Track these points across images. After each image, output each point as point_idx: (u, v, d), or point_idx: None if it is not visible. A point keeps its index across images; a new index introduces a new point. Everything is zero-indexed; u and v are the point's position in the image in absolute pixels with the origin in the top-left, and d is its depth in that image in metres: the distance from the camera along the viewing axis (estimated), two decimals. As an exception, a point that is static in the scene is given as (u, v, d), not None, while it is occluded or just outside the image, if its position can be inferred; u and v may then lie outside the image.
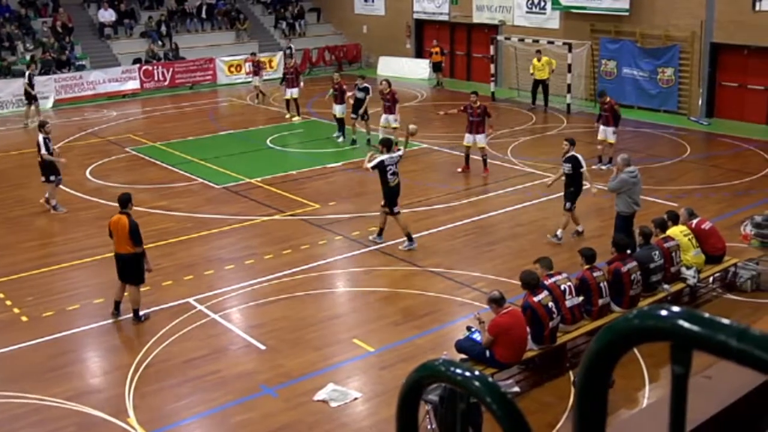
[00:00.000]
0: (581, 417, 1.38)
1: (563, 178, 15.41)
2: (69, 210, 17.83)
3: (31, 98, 27.18)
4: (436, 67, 33.17)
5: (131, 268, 12.15)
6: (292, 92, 26.47)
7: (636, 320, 1.27)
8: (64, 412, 9.88)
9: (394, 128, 21.47)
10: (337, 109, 23.46)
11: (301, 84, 26.80)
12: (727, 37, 24.57)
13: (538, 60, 27.51)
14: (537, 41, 28.54)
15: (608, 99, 19.64)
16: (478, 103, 19.72)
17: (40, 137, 17.62)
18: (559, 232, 15.22)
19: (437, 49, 32.91)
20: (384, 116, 22.02)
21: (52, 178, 17.61)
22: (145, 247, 12.41)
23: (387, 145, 15.12)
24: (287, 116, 26.80)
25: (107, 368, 11.15)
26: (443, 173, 20.23)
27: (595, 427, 1.36)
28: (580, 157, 15.28)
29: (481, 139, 19.66)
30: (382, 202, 15.11)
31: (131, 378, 10.60)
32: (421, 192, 18.40)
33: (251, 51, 32.95)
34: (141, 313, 12.32)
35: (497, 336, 9.79)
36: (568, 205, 15.25)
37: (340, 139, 23.63)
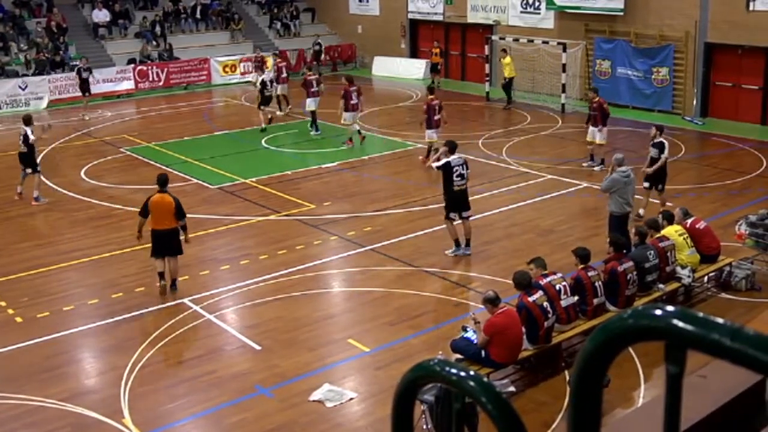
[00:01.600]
0: (576, 416, 1.38)
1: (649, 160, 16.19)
2: (63, 211, 17.83)
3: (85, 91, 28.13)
4: (432, 68, 33.09)
5: (171, 242, 13.12)
6: (279, 88, 26.99)
7: (630, 320, 1.28)
8: (59, 413, 9.87)
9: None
10: (310, 103, 24.40)
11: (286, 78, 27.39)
12: (721, 37, 24.62)
13: (503, 59, 27.84)
14: (532, 41, 28.59)
15: (597, 98, 19.64)
16: (429, 98, 20.84)
17: (28, 130, 18.11)
18: (641, 211, 15.85)
19: (437, 50, 32.77)
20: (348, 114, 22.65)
21: (29, 170, 18.38)
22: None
23: (451, 147, 14.60)
24: (277, 112, 27.12)
25: (102, 369, 11.13)
26: (438, 173, 20.14)
27: (589, 426, 1.37)
28: (666, 143, 16.18)
29: (429, 134, 20.61)
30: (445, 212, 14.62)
31: (126, 379, 10.58)
32: (416, 192, 18.41)
33: (273, 52, 32.79)
34: (177, 283, 13.35)
35: (492, 336, 9.79)
36: (660, 186, 16.10)
37: (312, 132, 24.49)
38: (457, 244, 14.66)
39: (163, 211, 12.92)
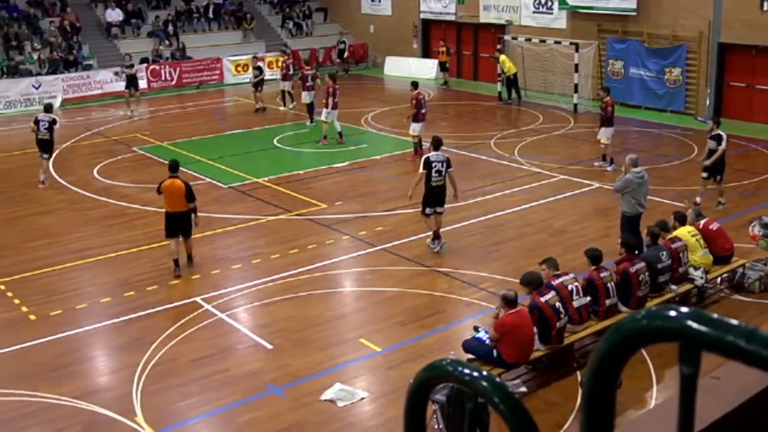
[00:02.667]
0: (589, 417, 1.38)
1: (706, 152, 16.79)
2: (76, 210, 17.93)
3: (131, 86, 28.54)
4: (442, 67, 33.21)
5: (184, 223, 13.99)
6: (285, 85, 27.82)
7: (644, 321, 1.27)
8: (71, 410, 9.91)
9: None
10: (305, 96, 25.37)
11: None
12: (734, 37, 24.50)
13: (497, 58, 28.22)
14: (544, 41, 28.53)
15: (606, 98, 19.67)
16: (413, 93, 21.32)
17: (55, 117, 19.85)
18: (698, 199, 16.47)
19: (443, 49, 32.92)
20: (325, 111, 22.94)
21: (46, 155, 19.74)
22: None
23: (436, 143, 14.91)
24: (281, 108, 27.68)
25: (115, 367, 11.18)
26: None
27: (603, 428, 1.36)
28: (724, 135, 16.63)
29: (414, 128, 21.02)
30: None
31: (139, 377, 10.62)
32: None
33: (282, 50, 32.82)
34: (193, 257, 14.37)
35: (503, 335, 9.78)
36: (718, 177, 16.63)
37: (307, 123, 25.43)
38: (436, 236, 14.94)
39: (174, 194, 13.83)
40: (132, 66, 29.06)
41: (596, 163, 20.07)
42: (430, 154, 14.81)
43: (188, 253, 14.32)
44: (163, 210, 14.28)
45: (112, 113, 28.67)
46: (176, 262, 14.06)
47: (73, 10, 34.43)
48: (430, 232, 15.02)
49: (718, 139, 16.66)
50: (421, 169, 14.72)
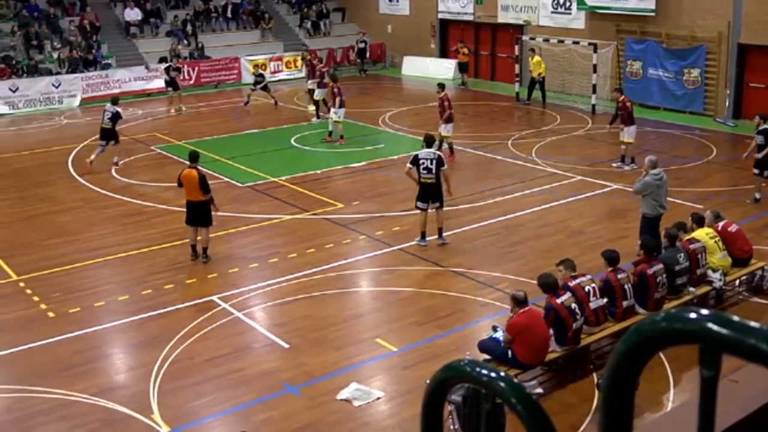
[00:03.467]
0: (607, 419, 1.37)
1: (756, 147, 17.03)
2: (94, 208, 18.05)
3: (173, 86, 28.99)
4: (462, 67, 33.07)
5: (201, 213, 14.36)
6: (311, 83, 27.62)
7: (663, 322, 1.27)
8: (88, 407, 9.97)
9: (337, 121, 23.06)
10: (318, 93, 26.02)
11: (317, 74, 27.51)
12: (754, 38, 24.33)
13: (531, 58, 27.78)
14: (562, 41, 28.44)
15: (622, 97, 19.66)
16: (442, 94, 20.81)
17: (119, 109, 21.42)
18: (757, 195, 17.03)
19: (465, 50, 32.74)
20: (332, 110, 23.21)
21: (112, 142, 21.29)
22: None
23: (427, 141, 15.25)
24: (310, 108, 27.76)
25: (132, 365, 11.23)
26: (468, 173, 20.17)
27: (621, 430, 1.36)
28: None
29: (443, 129, 20.66)
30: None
31: (156, 375, 10.67)
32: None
33: (279, 50, 32.94)
34: (208, 252, 14.56)
35: (515, 336, 9.78)
36: (764, 172, 16.91)
37: (314, 119, 25.97)
38: (423, 236, 15.16)
39: (190, 184, 14.28)
40: (178, 69, 29.84)
41: (614, 164, 19.99)
42: (419, 152, 15.13)
43: (203, 247, 14.51)
44: (182, 209, 14.41)
45: (131, 112, 28.78)
46: (193, 248, 14.58)
47: (92, 9, 34.63)
48: (433, 229, 15.25)
49: (766, 133, 16.82)
50: (408, 164, 15.17)
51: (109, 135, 21.18)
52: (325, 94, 26.79)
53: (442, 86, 21.44)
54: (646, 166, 13.85)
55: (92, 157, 20.98)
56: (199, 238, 14.54)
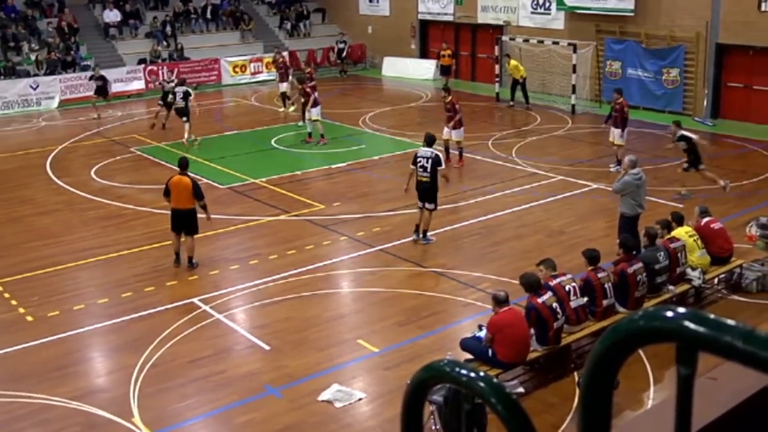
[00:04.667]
0: (586, 418, 1.37)
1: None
2: (74, 210, 17.94)
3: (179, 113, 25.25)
4: (444, 70, 32.65)
5: (188, 221, 14.09)
6: (282, 86, 27.48)
7: (641, 321, 1.27)
8: (68, 411, 9.90)
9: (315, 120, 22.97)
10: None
11: (290, 78, 27.41)
12: (732, 38, 24.52)
13: (508, 63, 27.75)
14: (542, 42, 28.54)
15: (620, 99, 19.63)
16: (448, 98, 20.38)
17: (189, 89, 23.95)
18: (683, 191, 17.55)
19: (448, 52, 32.56)
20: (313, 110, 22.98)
21: (185, 118, 23.45)
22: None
23: (428, 140, 15.33)
24: (281, 111, 27.27)
25: (112, 368, 11.16)
26: (448, 173, 20.15)
27: (600, 428, 1.36)
28: (687, 133, 17.50)
29: (455, 134, 20.25)
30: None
31: (136, 378, 10.61)
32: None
33: (259, 51, 32.69)
34: (194, 261, 14.28)
35: (495, 334, 9.81)
36: (701, 167, 17.35)
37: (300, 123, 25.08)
38: (416, 231, 15.34)
39: (181, 191, 13.94)
40: (103, 78, 28.60)
41: (612, 168, 19.60)
42: (419, 150, 15.30)
43: (189, 255, 14.27)
44: (162, 210, 14.30)
45: (110, 114, 28.65)
46: (177, 255, 14.33)
47: (70, 10, 34.42)
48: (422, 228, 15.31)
49: (686, 139, 17.32)
50: (411, 164, 15.25)
51: (183, 113, 23.33)
52: (288, 87, 27.04)
53: (447, 90, 21.19)
54: (626, 166, 13.93)
55: (189, 137, 23.25)
56: (183, 240, 14.29)
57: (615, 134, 19.62)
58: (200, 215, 14.37)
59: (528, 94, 27.98)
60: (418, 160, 15.01)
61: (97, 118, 27.63)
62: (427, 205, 15.07)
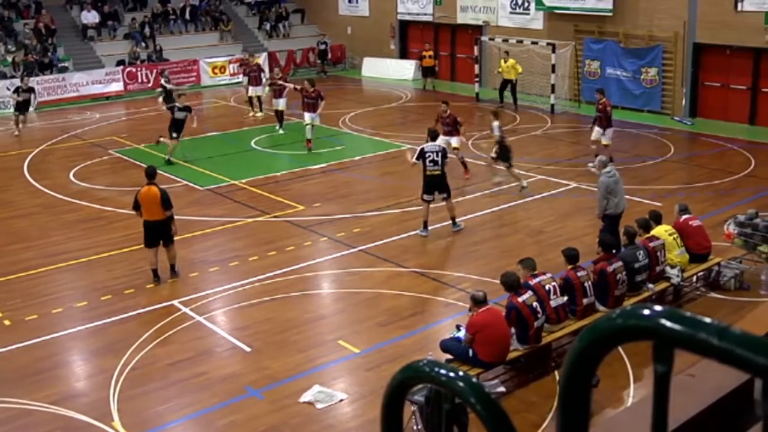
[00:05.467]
0: (565, 416, 1.38)
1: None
2: (52, 213, 17.82)
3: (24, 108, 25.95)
4: (427, 72, 32.49)
5: (162, 232, 13.62)
6: (256, 90, 27.08)
7: (618, 320, 1.27)
8: (47, 416, 9.82)
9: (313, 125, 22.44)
10: (281, 103, 24.76)
11: (264, 81, 27.21)
12: (709, 38, 24.70)
13: (505, 61, 27.60)
14: (521, 42, 28.61)
15: (603, 99, 19.74)
16: (448, 112, 19.71)
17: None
18: (496, 179, 18.59)
19: (430, 53, 32.39)
20: (307, 114, 22.51)
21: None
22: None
23: (432, 135, 16.03)
24: (250, 114, 27.02)
25: (91, 372, 11.09)
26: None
27: (578, 427, 1.36)
28: (495, 124, 18.36)
29: (454, 141, 19.79)
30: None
31: (116, 381, 10.54)
32: (405, 193, 18.38)
33: (238, 52, 32.47)
34: (177, 269, 13.97)
35: (475, 334, 9.83)
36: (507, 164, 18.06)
37: (280, 132, 24.72)
38: (425, 226, 15.69)
39: (150, 202, 13.48)
40: (31, 90, 27.22)
41: (590, 165, 19.67)
42: (425, 145, 15.64)
43: (171, 264, 13.91)
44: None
45: (88, 116, 28.48)
46: (155, 272, 13.71)
47: (48, 11, 34.15)
48: (418, 225, 15.52)
49: (501, 130, 18.37)
50: (414, 159, 15.60)
51: (179, 127, 21.59)
52: (261, 91, 26.80)
53: (447, 103, 20.57)
54: (598, 167, 14.01)
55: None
56: (163, 249, 13.79)
57: (599, 133, 19.72)
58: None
59: (517, 97, 27.84)
60: (427, 155, 15.35)
61: (18, 135, 25.63)
62: (439, 195, 15.55)
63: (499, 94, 28.18)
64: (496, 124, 18.38)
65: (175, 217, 14.03)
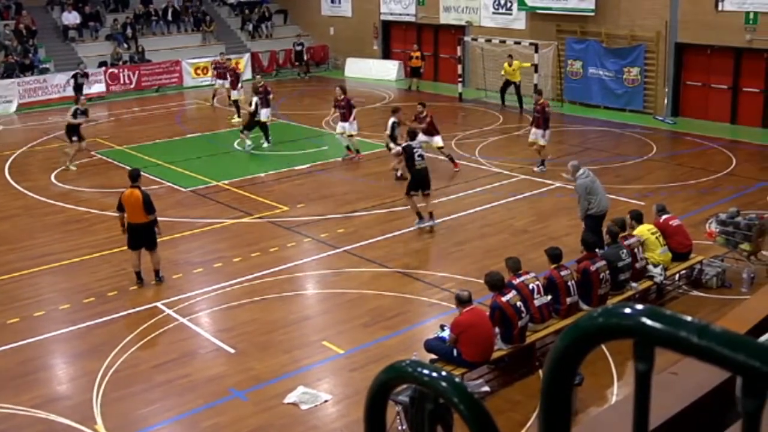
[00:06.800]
0: (547, 415, 1.38)
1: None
2: (34, 215, 17.70)
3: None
4: (414, 72, 32.39)
5: (146, 235, 13.52)
6: (235, 93, 26.67)
7: (600, 318, 1.28)
8: (30, 419, 9.76)
9: (351, 135, 21.33)
10: (263, 114, 22.93)
11: (240, 86, 26.84)
12: (691, 37, 24.84)
13: (509, 65, 27.30)
14: (504, 42, 28.66)
15: (542, 100, 19.74)
16: (425, 113, 19.96)
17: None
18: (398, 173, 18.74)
19: (417, 54, 32.22)
20: (340, 124, 21.53)
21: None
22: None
23: (411, 135, 16.49)
24: (234, 119, 26.55)
25: (74, 374, 11.02)
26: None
27: (560, 425, 1.37)
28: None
29: (437, 140, 20.05)
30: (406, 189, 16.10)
31: (99, 384, 10.49)
32: (389, 193, 18.40)
33: (219, 53, 32.10)
34: (161, 274, 13.81)
35: (459, 334, 9.85)
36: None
37: (264, 144, 23.05)
38: (420, 216, 15.99)
39: (133, 205, 13.35)
40: (86, 75, 28.45)
41: (536, 168, 19.76)
42: (411, 142, 16.13)
43: (155, 269, 13.71)
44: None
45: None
46: (138, 275, 13.63)
47: (28, 12, 33.91)
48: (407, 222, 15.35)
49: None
50: (398, 148, 16.70)
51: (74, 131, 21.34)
52: (238, 95, 26.29)
53: (424, 105, 20.61)
54: (571, 172, 14.04)
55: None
56: (148, 257, 13.67)
57: (537, 135, 19.56)
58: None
59: (522, 99, 27.50)
60: (415, 151, 15.88)
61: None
62: (426, 191, 15.94)
63: (500, 97, 28.01)
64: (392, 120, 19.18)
65: (159, 219, 13.97)
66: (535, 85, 25.69)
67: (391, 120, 19.20)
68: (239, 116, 26.19)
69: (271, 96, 23.47)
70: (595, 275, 11.34)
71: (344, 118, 21.23)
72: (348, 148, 21.56)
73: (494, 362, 10.44)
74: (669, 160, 21.15)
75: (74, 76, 29.34)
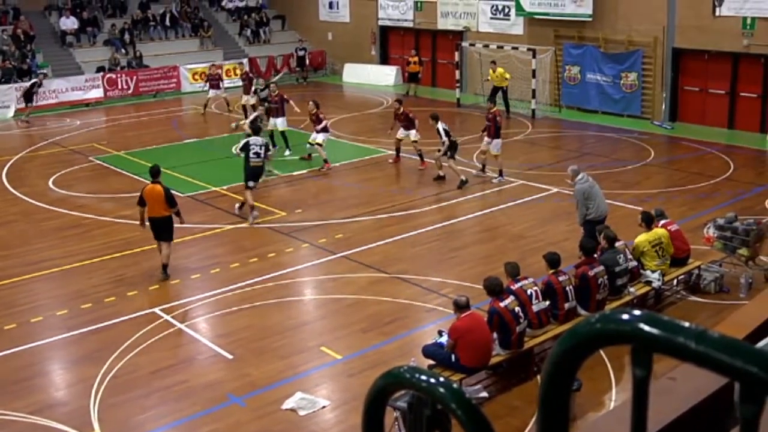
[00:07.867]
0: (544, 420, 1.38)
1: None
2: (31, 221, 17.68)
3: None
4: (412, 78, 32.43)
5: (164, 228, 14.17)
6: (247, 99, 26.57)
7: (598, 324, 1.28)
8: (27, 426, 9.74)
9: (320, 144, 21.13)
10: (279, 123, 22.72)
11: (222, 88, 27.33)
12: (688, 42, 24.88)
13: (493, 71, 27.46)
14: (501, 47, 28.70)
15: (494, 109, 19.74)
16: (401, 110, 21.00)
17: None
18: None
19: (415, 59, 32.26)
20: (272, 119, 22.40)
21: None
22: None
23: (254, 128, 17.57)
24: (239, 123, 26.38)
25: (72, 381, 11.00)
26: (408, 179, 20.28)
27: (557, 430, 1.36)
28: (443, 129, 19.09)
29: (413, 135, 20.76)
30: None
31: (96, 390, 10.47)
32: (386, 199, 18.40)
33: (210, 64, 31.97)
34: (168, 270, 14.19)
35: (457, 340, 9.85)
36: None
37: (287, 152, 22.74)
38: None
39: (154, 199, 13.93)
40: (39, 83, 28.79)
41: (495, 180, 19.58)
42: (248, 138, 17.53)
43: (164, 263, 14.16)
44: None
45: (68, 123, 28.30)
46: (164, 267, 14.20)
47: (26, 18, 33.91)
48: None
49: (444, 132, 18.99)
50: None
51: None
52: (249, 100, 26.22)
53: (400, 102, 21.15)
54: (571, 176, 14.04)
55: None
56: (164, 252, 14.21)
57: (490, 145, 19.35)
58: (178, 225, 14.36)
59: (509, 104, 27.70)
60: (251, 147, 17.06)
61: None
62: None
63: (491, 100, 28.02)
64: (440, 126, 19.09)
65: (183, 225, 14.26)
66: (492, 94, 26.16)
67: (441, 126, 19.13)
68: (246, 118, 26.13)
69: (288, 104, 22.90)
70: (593, 280, 11.34)
71: (277, 113, 22.27)
72: (326, 161, 21.19)
73: (492, 368, 10.43)
74: (667, 165, 21.17)
75: (32, 85, 28.67)
